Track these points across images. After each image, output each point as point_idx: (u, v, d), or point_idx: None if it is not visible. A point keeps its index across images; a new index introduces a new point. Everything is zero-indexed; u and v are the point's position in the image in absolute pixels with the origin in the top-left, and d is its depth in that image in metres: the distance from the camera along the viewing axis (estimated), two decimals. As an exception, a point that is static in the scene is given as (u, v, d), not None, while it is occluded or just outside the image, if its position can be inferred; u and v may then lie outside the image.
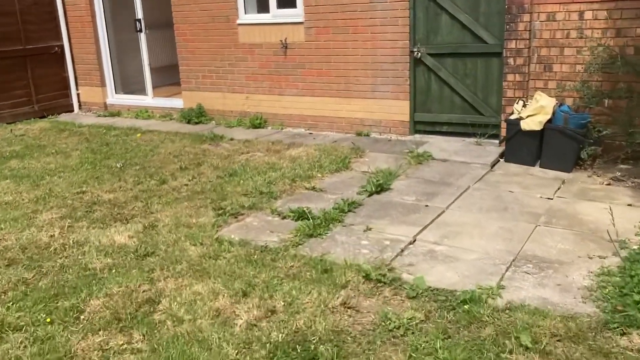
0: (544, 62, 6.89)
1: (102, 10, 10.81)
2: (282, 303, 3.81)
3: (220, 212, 5.48)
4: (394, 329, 3.51)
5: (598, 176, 6.24)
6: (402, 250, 4.64)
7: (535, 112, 6.55)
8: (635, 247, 4.46)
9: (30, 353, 3.41)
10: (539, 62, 6.92)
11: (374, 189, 5.92)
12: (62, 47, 11.07)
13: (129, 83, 11.35)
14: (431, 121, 7.98)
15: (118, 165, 7.23)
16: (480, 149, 7.26)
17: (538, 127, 6.51)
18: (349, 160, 6.98)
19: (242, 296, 3.91)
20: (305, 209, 5.35)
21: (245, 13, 9.15)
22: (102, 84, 11.15)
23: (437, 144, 7.55)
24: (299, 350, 3.32)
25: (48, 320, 3.71)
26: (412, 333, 3.47)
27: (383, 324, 3.57)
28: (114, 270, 4.40)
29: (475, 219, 5.22)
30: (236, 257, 4.50)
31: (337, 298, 3.84)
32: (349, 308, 3.76)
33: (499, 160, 6.93)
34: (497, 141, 7.38)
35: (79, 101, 11.47)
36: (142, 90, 10.97)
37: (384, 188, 5.99)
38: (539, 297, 3.85)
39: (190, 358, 3.30)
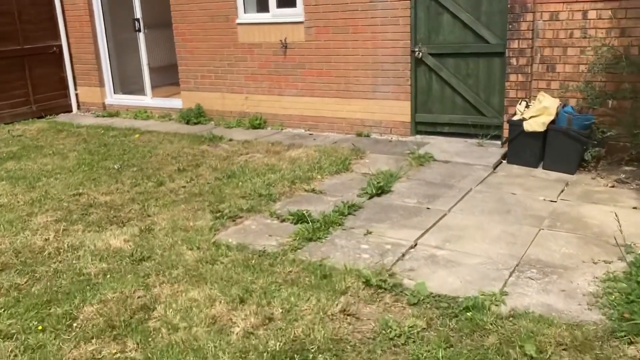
0: (547, 62, 6.79)
1: (101, 9, 10.72)
2: (280, 310, 3.72)
3: (218, 215, 5.39)
4: (395, 338, 3.41)
5: (602, 178, 6.15)
6: (403, 255, 4.54)
7: (538, 113, 6.45)
8: (641, 251, 4.37)
9: (21, 362, 3.33)
10: (541, 62, 6.82)
11: (374, 191, 5.82)
12: (60, 46, 10.97)
13: (127, 83, 11.26)
14: (432, 122, 7.89)
15: (115, 167, 7.15)
16: (482, 150, 7.17)
17: (541, 129, 6.42)
18: (349, 161, 6.89)
19: (239, 303, 3.82)
20: (304, 212, 5.26)
21: (244, 12, 9.06)
22: (101, 84, 11.06)
23: (439, 145, 7.46)
24: (296, 360, 3.24)
25: (40, 328, 3.62)
26: (414, 342, 3.38)
27: (383, 332, 3.47)
28: (108, 276, 4.30)
29: (478, 222, 5.13)
30: (233, 262, 4.40)
31: (337, 305, 3.75)
32: (348, 315, 3.66)
33: (501, 162, 6.84)
34: (499, 142, 7.29)
35: (77, 101, 11.38)
36: (141, 91, 10.88)
37: (385, 190, 5.90)
38: (543, 303, 3.76)
39: (185, 368, 3.22)
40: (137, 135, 8.77)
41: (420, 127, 8.00)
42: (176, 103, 10.23)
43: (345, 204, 5.46)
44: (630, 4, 6.21)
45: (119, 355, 3.36)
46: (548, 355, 3.19)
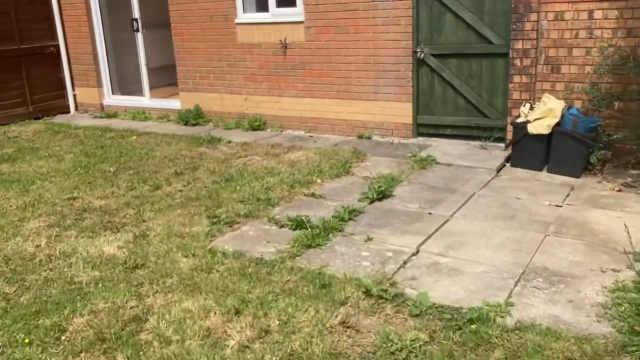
0: (552, 63, 6.65)
1: (99, 9, 10.59)
2: (277, 322, 3.57)
3: (214, 220, 5.25)
4: (396, 352, 3.27)
5: (608, 182, 6.01)
6: (405, 263, 4.41)
7: (543, 115, 6.31)
8: (651, 260, 4.23)
9: (7, 377, 3.20)
10: (546, 63, 6.68)
11: (375, 196, 5.69)
12: (57, 46, 10.84)
13: (126, 84, 11.13)
14: (434, 124, 7.74)
15: (112, 170, 7.01)
16: (485, 153, 7.03)
17: (546, 131, 6.28)
18: (349, 164, 6.75)
19: (235, 314, 3.67)
20: (303, 217, 5.12)
21: (243, 12, 8.93)
22: (99, 84, 10.93)
23: (441, 148, 7.32)
24: (294, 376, 3.10)
25: (27, 341, 3.47)
26: (416, 356, 3.24)
27: (384, 345, 3.33)
28: (100, 284, 4.16)
29: (481, 228, 4.99)
30: (230, 270, 4.26)
31: (336, 316, 3.60)
32: (348, 328, 3.52)
33: (504, 165, 6.70)
34: (502, 145, 7.15)
35: (75, 102, 11.25)
36: (139, 91, 10.75)
37: (386, 194, 5.76)
38: (550, 315, 3.62)
39: (177, 384, 3.08)
40: (134, 137, 8.64)
41: (422, 129, 7.85)
42: (174, 104, 10.09)
43: (346, 209, 5.33)
44: (637, 3, 6.07)
45: (108, 370, 3.23)
46: (556, 372, 3.06)
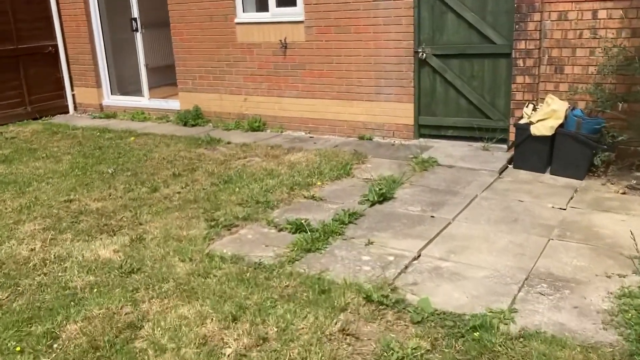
0: (555, 64, 6.56)
1: (97, 8, 10.50)
2: (275, 329, 3.49)
3: (212, 223, 5.16)
4: (397, 360, 3.19)
5: (612, 184, 5.92)
6: (406, 267, 4.32)
7: (546, 116, 6.22)
8: (657, 265, 4.14)
9: (-3, 387, 3.11)
10: (549, 63, 6.59)
11: (376, 198, 5.60)
12: (56, 46, 10.75)
13: (125, 84, 11.05)
14: (436, 125, 7.65)
15: (109, 171, 6.92)
16: (487, 155, 6.94)
17: (549, 132, 6.19)
18: (350, 166, 6.66)
19: (232, 321, 3.59)
20: (303, 220, 5.03)
21: (243, 12, 8.84)
22: (98, 84, 10.84)
23: (443, 149, 7.23)
24: (292, 386, 3.01)
25: (18, 348, 3.39)
26: (417, 365, 3.16)
27: (385, 354, 3.24)
28: (95, 290, 4.07)
29: (484, 232, 4.90)
30: (227, 275, 4.17)
31: (336, 323, 3.52)
32: (348, 335, 3.43)
33: (507, 167, 6.61)
34: (505, 146, 7.06)
35: (74, 102, 11.16)
36: (138, 92, 10.66)
37: (387, 197, 5.67)
38: (555, 322, 3.53)
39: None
40: (132, 138, 8.55)
41: (423, 130, 7.76)
42: (174, 104, 10.01)
43: (346, 212, 5.24)
44: (642, 3, 5.98)
45: (101, 379, 3.14)
46: (562, 382, 2.97)
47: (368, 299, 3.78)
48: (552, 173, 6.28)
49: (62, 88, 10.99)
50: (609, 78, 6.25)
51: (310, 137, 8.37)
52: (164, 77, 10.89)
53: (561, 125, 6.19)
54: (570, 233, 4.80)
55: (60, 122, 10.23)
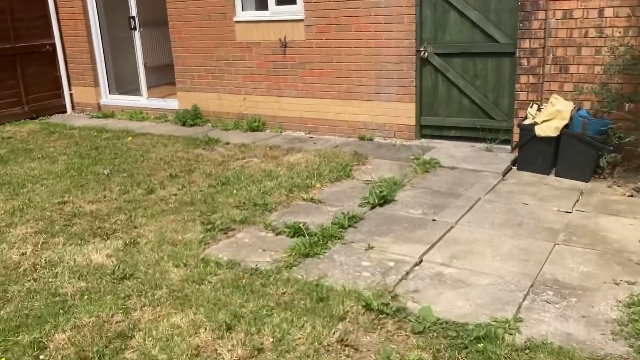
0: (560, 63, 6.42)
1: (95, 7, 10.36)
2: (271, 339, 3.35)
3: (209, 226, 5.03)
4: (398, 374, 3.06)
5: (619, 186, 5.78)
6: (407, 273, 4.18)
7: (551, 116, 6.08)
8: (668, 272, 4.00)
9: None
10: (554, 62, 6.45)
11: (376, 201, 5.46)
12: (53, 45, 10.61)
13: (123, 83, 10.91)
14: (438, 125, 7.51)
15: (105, 172, 6.79)
16: (490, 156, 6.80)
17: (554, 133, 6.05)
18: (350, 167, 6.52)
19: (226, 330, 3.45)
20: (301, 224, 4.90)
21: (242, 10, 8.71)
22: (96, 84, 10.71)
23: (445, 150, 7.09)
24: (287, 400, 2.88)
25: (3, 359, 3.26)
26: (419, 379, 3.03)
27: (385, 366, 3.11)
28: (86, 297, 3.94)
29: (487, 236, 4.77)
30: (222, 282, 4.04)
31: (334, 333, 3.38)
32: (346, 346, 3.30)
33: (511, 168, 6.47)
34: (509, 147, 6.92)
35: (72, 102, 11.03)
36: (136, 91, 10.53)
37: (388, 199, 5.53)
38: (562, 332, 3.39)
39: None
40: (129, 139, 8.41)
41: (425, 130, 7.63)
42: (172, 104, 9.87)
43: (346, 215, 5.10)
44: (650, 1, 5.84)
45: (89, 392, 3.01)
46: (570, 397, 2.83)
47: (368, 307, 3.65)
48: (557, 175, 6.15)
49: (60, 87, 10.86)
50: (615, 78, 6.11)
51: (310, 137, 8.23)
52: (163, 76, 10.76)
53: (566, 126, 6.05)
54: (577, 237, 4.67)
55: (57, 121, 10.10)
